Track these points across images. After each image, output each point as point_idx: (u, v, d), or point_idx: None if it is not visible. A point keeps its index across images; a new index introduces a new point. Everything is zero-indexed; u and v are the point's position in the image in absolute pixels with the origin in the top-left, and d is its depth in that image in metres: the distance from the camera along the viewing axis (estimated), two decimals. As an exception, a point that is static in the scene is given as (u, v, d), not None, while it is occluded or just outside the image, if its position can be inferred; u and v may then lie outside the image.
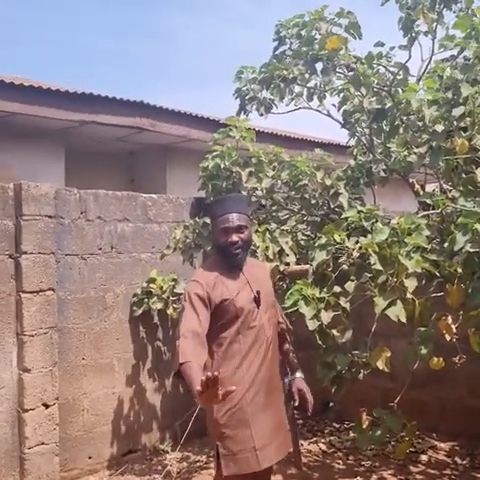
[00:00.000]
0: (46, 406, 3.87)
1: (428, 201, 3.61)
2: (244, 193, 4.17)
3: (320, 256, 3.04)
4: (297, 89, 4.36)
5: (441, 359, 3.07)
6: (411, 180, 4.34)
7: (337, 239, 3.05)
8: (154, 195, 4.75)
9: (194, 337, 2.36)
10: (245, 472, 2.44)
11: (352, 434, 4.65)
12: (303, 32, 4.05)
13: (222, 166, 4.17)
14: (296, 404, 2.70)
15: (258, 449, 2.46)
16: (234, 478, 2.47)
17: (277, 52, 4.29)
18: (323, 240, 3.07)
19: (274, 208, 4.42)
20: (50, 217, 3.96)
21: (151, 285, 4.38)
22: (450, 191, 3.74)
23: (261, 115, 4.44)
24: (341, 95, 4.27)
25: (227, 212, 2.56)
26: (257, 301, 2.54)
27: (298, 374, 2.80)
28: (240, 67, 4.44)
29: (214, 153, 4.29)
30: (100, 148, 8.18)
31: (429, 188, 4.44)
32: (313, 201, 4.15)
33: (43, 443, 3.85)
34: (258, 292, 2.55)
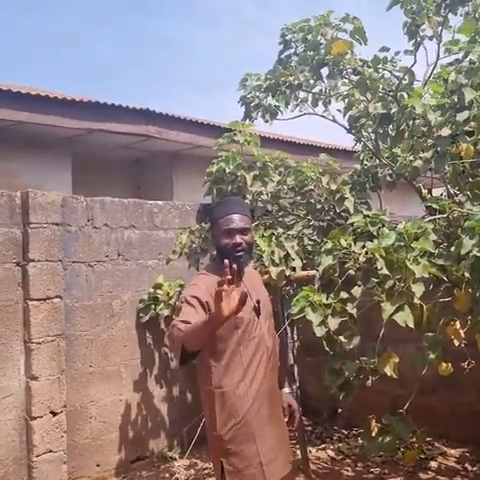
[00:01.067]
0: (54, 414, 3.87)
1: (435, 206, 3.59)
2: (249, 197, 4.17)
3: (326, 261, 3.03)
4: (302, 95, 4.36)
5: (450, 364, 3.04)
6: (418, 185, 4.33)
7: (343, 244, 3.04)
8: (160, 202, 4.76)
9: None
10: None
11: (361, 441, 4.62)
12: (309, 37, 4.06)
13: (227, 170, 4.17)
14: (285, 420, 2.60)
15: (264, 464, 2.35)
16: None
17: (282, 56, 4.30)
18: (329, 245, 3.06)
19: (280, 214, 4.42)
20: (57, 225, 3.98)
21: (158, 291, 4.38)
22: (457, 195, 3.72)
23: (266, 122, 4.45)
24: (346, 100, 4.27)
25: (230, 213, 2.44)
26: (257, 310, 2.40)
27: (287, 389, 2.75)
28: (245, 74, 4.45)
29: (219, 158, 4.30)
30: (107, 156, 8.22)
31: (436, 193, 4.42)
32: (319, 206, 4.15)
33: (51, 451, 3.85)
34: (258, 301, 2.38)
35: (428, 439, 4.23)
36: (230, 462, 2.32)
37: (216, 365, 2.37)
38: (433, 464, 4.21)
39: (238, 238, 2.41)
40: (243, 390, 2.34)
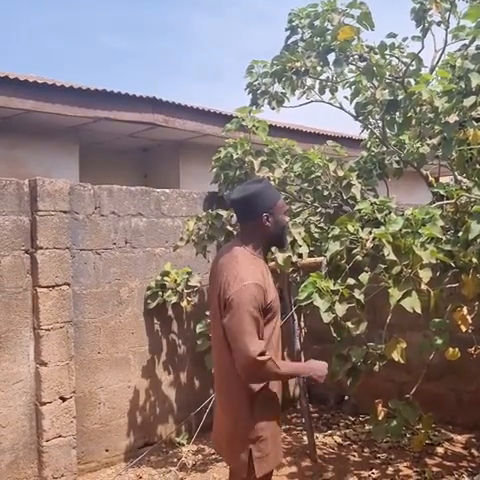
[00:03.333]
0: (63, 399, 3.91)
1: (442, 192, 3.59)
2: None
3: (334, 247, 3.03)
4: (309, 82, 4.35)
5: (457, 349, 3.05)
6: (425, 172, 4.32)
7: (351, 230, 3.04)
8: (167, 190, 4.77)
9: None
10: (272, 468, 2.45)
11: (368, 427, 4.65)
12: (316, 22, 4.03)
13: (234, 156, 4.17)
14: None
15: (279, 442, 2.51)
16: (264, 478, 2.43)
17: (289, 42, 4.28)
18: (337, 231, 3.06)
19: (287, 201, 4.42)
20: (65, 212, 4.00)
21: (165, 278, 4.40)
22: (464, 182, 3.71)
23: (273, 109, 4.43)
24: (353, 87, 4.25)
25: (281, 195, 2.56)
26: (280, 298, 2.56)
27: None
28: (251, 61, 4.43)
29: (227, 144, 4.30)
30: (114, 144, 8.23)
31: (443, 181, 4.41)
32: (326, 193, 4.14)
33: (60, 436, 3.89)
34: (279, 288, 2.60)
35: (434, 425, 4.25)
36: (260, 448, 2.35)
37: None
38: (439, 450, 4.24)
39: (288, 217, 2.58)
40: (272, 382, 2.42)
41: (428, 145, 3.85)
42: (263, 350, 2.20)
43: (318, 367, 2.42)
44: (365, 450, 4.34)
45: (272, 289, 2.36)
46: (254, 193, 2.36)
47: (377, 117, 4.32)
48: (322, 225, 4.21)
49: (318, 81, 4.35)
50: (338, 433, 4.73)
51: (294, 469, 4.04)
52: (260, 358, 2.18)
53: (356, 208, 3.50)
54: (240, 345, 2.20)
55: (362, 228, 3.17)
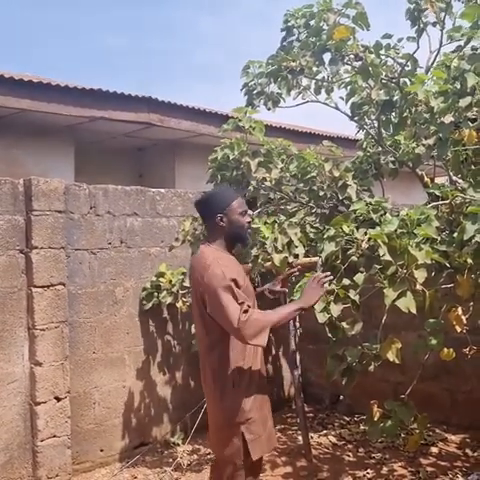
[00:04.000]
0: (58, 399, 3.90)
1: (437, 192, 3.59)
2: (253, 183, 4.17)
3: (329, 247, 3.03)
4: (304, 82, 4.34)
5: (452, 350, 3.06)
6: (420, 172, 4.32)
7: (346, 230, 3.04)
8: (163, 190, 4.77)
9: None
10: (266, 453, 2.58)
11: (362, 427, 4.66)
12: (311, 23, 4.03)
13: (231, 157, 4.17)
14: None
15: (269, 427, 2.61)
16: (257, 462, 2.57)
17: (285, 42, 4.28)
18: (332, 232, 3.05)
19: (282, 201, 4.42)
20: (60, 212, 3.99)
21: (160, 279, 4.40)
22: (459, 182, 3.72)
23: (269, 109, 4.42)
24: (349, 88, 4.25)
25: (238, 196, 2.69)
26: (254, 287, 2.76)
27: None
28: (247, 61, 4.42)
29: (223, 145, 4.29)
30: (109, 144, 8.22)
31: (438, 181, 4.41)
32: (321, 193, 4.14)
33: (55, 436, 3.89)
34: (251, 278, 2.78)
35: (429, 425, 4.26)
36: (251, 430, 2.50)
37: (235, 345, 2.54)
38: (434, 450, 4.25)
39: (248, 218, 2.70)
40: (255, 363, 2.58)
41: (423, 145, 3.85)
42: (244, 309, 2.38)
43: (309, 295, 2.60)
44: (360, 450, 4.35)
45: (241, 278, 2.55)
46: (209, 196, 2.69)
47: (373, 117, 4.32)
48: (317, 225, 4.21)
49: (314, 81, 4.34)
50: (333, 433, 4.74)
51: (289, 469, 4.04)
52: (243, 317, 2.36)
53: (351, 209, 3.50)
54: (225, 322, 2.41)
55: (357, 229, 3.17)
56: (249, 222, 2.69)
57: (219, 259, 2.52)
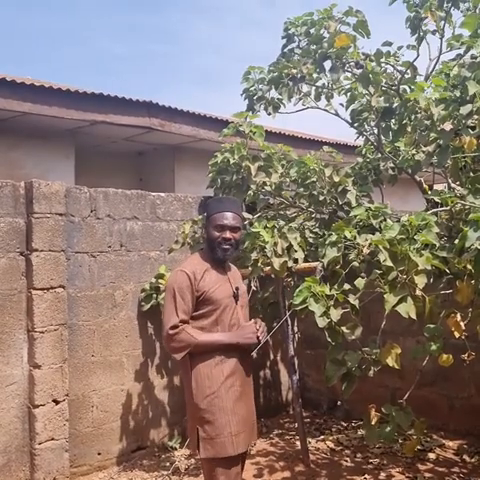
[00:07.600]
0: (56, 402, 3.90)
1: (436, 199, 3.61)
2: (253, 188, 4.19)
3: (331, 253, 3.05)
4: (305, 88, 4.37)
5: (450, 356, 3.07)
6: (419, 179, 4.35)
7: (348, 236, 3.05)
8: (163, 194, 4.78)
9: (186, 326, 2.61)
10: (221, 456, 2.58)
11: (360, 432, 4.66)
12: (312, 30, 4.06)
13: (231, 161, 4.19)
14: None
15: (234, 435, 2.61)
16: (224, 463, 2.59)
17: (285, 50, 4.31)
18: (334, 237, 3.07)
19: (282, 206, 4.44)
20: (60, 215, 4.00)
21: (159, 281, 4.41)
22: (458, 190, 3.74)
23: (269, 114, 4.45)
24: (349, 94, 4.29)
25: (225, 210, 2.74)
26: (235, 297, 2.75)
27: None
28: (248, 67, 4.46)
29: (223, 149, 4.32)
30: (110, 148, 8.24)
31: (437, 188, 4.44)
32: (321, 198, 4.16)
33: (53, 439, 3.88)
34: (237, 288, 2.76)
35: (427, 431, 4.26)
36: (204, 429, 2.60)
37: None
38: (431, 456, 4.25)
39: (229, 234, 2.72)
40: (218, 366, 2.63)
41: (423, 152, 3.88)
42: (176, 324, 2.56)
43: (244, 331, 2.66)
44: (357, 455, 4.35)
45: (210, 282, 2.66)
46: (206, 203, 2.89)
47: (372, 124, 4.35)
48: (317, 230, 4.23)
49: (314, 88, 4.37)
50: (331, 438, 4.73)
51: (287, 474, 4.04)
52: (171, 331, 2.56)
53: (352, 214, 3.52)
54: (162, 323, 2.63)
55: (358, 234, 3.19)
56: (225, 238, 2.71)
57: (188, 265, 2.68)
